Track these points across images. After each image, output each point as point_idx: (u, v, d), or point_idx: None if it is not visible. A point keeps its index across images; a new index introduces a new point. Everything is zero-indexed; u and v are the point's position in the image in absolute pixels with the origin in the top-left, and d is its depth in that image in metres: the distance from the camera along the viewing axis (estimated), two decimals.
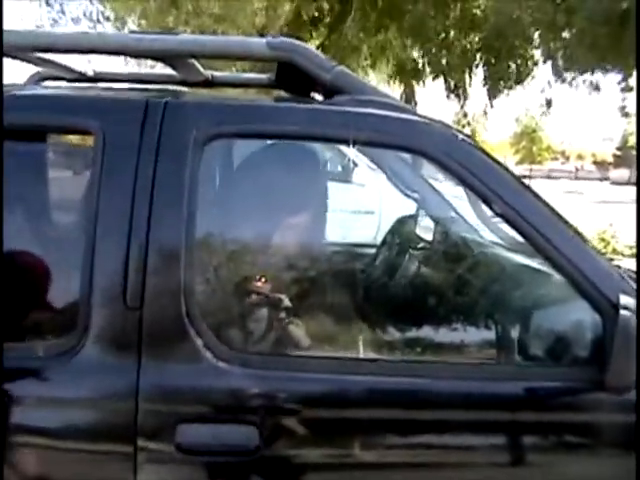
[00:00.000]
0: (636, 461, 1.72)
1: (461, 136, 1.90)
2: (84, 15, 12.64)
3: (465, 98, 11.41)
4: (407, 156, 2.52)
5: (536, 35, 9.32)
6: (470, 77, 10.90)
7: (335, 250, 2.56)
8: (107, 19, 12.68)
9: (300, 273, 2.09)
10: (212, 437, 1.72)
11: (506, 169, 1.89)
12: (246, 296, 2.00)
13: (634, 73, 8.11)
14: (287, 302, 1.97)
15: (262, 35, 9.27)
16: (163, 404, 1.74)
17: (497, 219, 1.93)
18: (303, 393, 1.78)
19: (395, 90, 12.16)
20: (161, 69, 3.37)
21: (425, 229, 2.71)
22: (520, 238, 1.82)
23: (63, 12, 12.73)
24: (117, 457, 1.76)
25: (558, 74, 9.60)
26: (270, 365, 1.80)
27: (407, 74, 11.40)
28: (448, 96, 11.29)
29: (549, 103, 10.78)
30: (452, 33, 10.11)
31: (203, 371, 1.74)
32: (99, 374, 1.76)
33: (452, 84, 11.04)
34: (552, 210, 1.83)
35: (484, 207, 1.92)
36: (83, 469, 1.78)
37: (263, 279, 2.00)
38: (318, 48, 9.58)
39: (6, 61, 2.20)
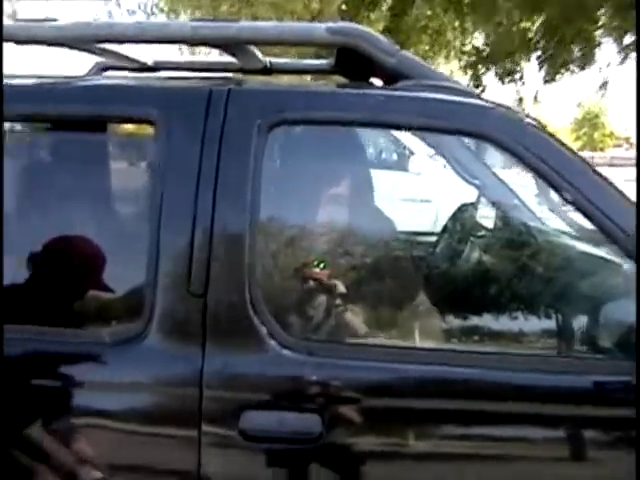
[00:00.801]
0: (636, 460, 1.66)
1: (529, 120, 1.85)
2: (139, 8, 12.88)
3: (522, 83, 11.18)
4: (469, 142, 2.47)
5: (602, 18, 9.03)
6: (529, 61, 10.66)
7: (395, 238, 2.53)
8: (161, 11, 12.86)
9: (359, 260, 2.07)
10: (276, 424, 1.72)
11: (576, 154, 1.83)
12: (306, 283, 1.99)
13: None
14: (342, 288, 1.95)
15: (316, 20, 9.24)
16: (227, 391, 1.75)
17: (566, 207, 1.88)
18: (365, 381, 1.76)
19: (457, 76, 12.00)
20: (218, 57, 3.37)
21: (486, 217, 2.67)
22: (590, 226, 1.76)
23: (119, 5, 12.99)
24: (181, 442, 1.77)
25: (624, 56, 9.31)
26: (332, 353, 1.79)
27: (469, 58, 11.20)
28: (503, 81, 11.07)
29: (605, 85, 10.48)
30: (515, 15, 9.86)
31: (267, 359, 1.75)
32: (164, 361, 1.78)
33: (509, 68, 10.82)
34: (626, 198, 1.77)
35: (551, 194, 1.87)
36: (147, 454, 1.80)
37: (322, 265, 1.98)
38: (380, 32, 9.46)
39: (68, 52, 2.24)
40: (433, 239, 2.76)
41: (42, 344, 1.82)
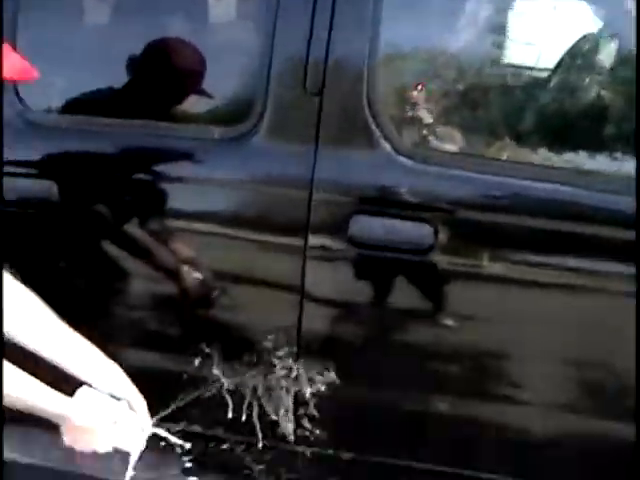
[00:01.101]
0: (635, 459, 1.56)
1: None
2: None
3: None
4: None
5: None
6: None
7: (508, 70, 2.38)
8: None
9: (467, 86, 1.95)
10: (386, 232, 1.67)
11: None
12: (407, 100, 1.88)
13: None
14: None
15: None
16: (338, 194, 1.70)
17: None
18: (481, 195, 1.69)
19: None
20: None
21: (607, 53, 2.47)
22: None
23: None
24: (286, 249, 1.75)
25: None
26: (450, 164, 1.70)
27: None
28: None
29: None
30: None
31: (381, 164, 1.68)
32: (273, 160, 1.73)
33: None
34: None
35: None
36: (249, 259, 1.78)
37: (420, 87, 1.86)
38: None
39: None
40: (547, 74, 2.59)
41: (150, 139, 1.79)
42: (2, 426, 1.10)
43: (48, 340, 1.33)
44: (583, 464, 1.65)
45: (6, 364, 1.18)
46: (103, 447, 1.29)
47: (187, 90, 1.88)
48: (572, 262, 1.66)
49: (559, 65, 2.52)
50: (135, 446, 1.30)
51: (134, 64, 1.91)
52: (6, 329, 1.31)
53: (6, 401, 1.19)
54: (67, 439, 1.28)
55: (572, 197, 1.66)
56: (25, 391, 1.21)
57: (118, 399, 1.30)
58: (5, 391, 1.17)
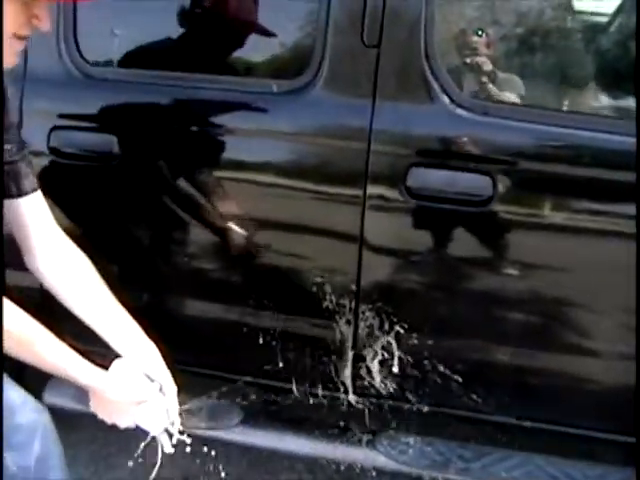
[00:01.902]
0: (635, 458, 1.52)
1: None
2: None
3: None
4: None
5: None
6: None
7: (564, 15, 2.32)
8: None
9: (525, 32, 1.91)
10: (444, 183, 1.67)
11: None
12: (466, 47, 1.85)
13: None
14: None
15: None
16: (396, 146, 1.70)
17: None
18: (541, 147, 1.68)
19: None
20: None
21: None
22: None
23: None
24: (345, 200, 1.75)
25: None
26: (509, 115, 1.68)
27: None
28: None
29: None
30: None
31: (439, 115, 1.67)
32: (332, 112, 1.74)
33: None
34: None
35: None
36: (308, 211, 1.80)
37: (480, 33, 1.83)
38: None
39: None
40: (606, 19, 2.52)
41: (209, 92, 1.81)
42: (2, 425, 1.11)
43: (93, 309, 1.37)
44: None
45: (43, 330, 1.21)
46: (125, 423, 1.32)
47: (243, 38, 1.87)
48: (631, 210, 1.64)
49: (620, 9, 2.45)
50: (156, 428, 1.33)
51: (190, 16, 1.91)
52: (57, 289, 1.35)
53: (42, 366, 1.23)
54: (93, 405, 1.32)
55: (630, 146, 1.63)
56: (59, 358, 1.23)
57: (152, 380, 1.34)
58: (41, 357, 1.21)
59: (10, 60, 1.10)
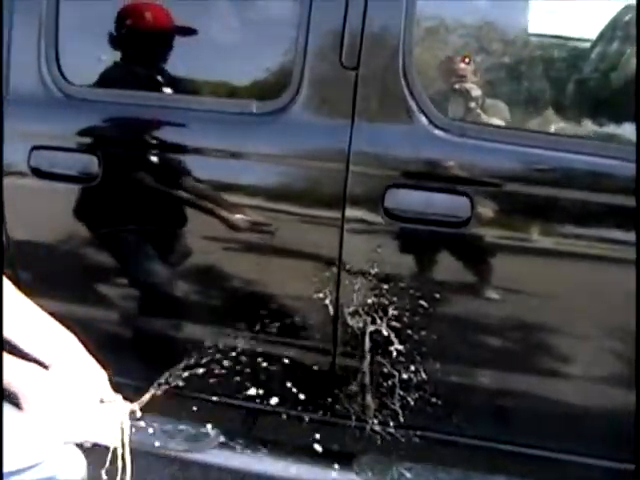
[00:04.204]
0: (634, 458, 1.52)
1: None
2: None
3: None
4: None
5: None
6: None
7: (542, 41, 2.34)
8: None
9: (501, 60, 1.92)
10: (423, 204, 1.68)
11: None
12: (453, 74, 1.87)
13: None
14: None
15: None
16: (374, 167, 1.70)
17: None
18: (519, 168, 1.68)
19: None
20: None
21: None
22: None
23: None
24: (322, 222, 1.76)
25: None
26: (487, 137, 1.69)
27: None
28: None
29: None
30: None
31: (418, 136, 1.68)
32: (310, 133, 1.74)
33: None
34: None
35: None
36: (285, 232, 1.79)
37: (467, 60, 1.85)
38: None
39: None
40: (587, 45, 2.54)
41: (180, 111, 1.81)
42: (1, 422, 1.07)
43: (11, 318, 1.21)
44: None
45: None
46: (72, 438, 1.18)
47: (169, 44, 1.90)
48: (610, 234, 1.66)
49: (601, 36, 2.47)
50: (110, 438, 1.18)
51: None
52: None
53: None
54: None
55: (611, 169, 1.63)
56: None
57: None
58: None
59: None
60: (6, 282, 1.24)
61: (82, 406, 1.15)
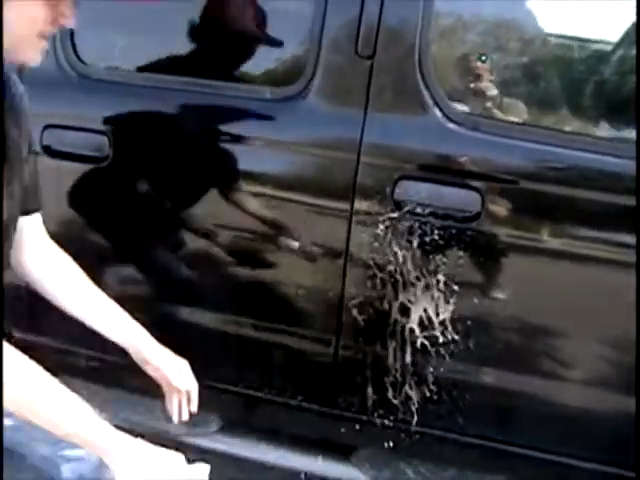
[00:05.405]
0: (634, 458, 1.50)
1: None
2: None
3: None
4: None
5: None
6: None
7: (562, 42, 2.32)
8: None
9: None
10: (433, 197, 1.66)
11: None
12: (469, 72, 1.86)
13: None
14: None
15: None
16: (386, 158, 1.68)
17: None
18: (532, 165, 1.66)
19: None
20: None
21: None
22: None
23: None
24: (331, 212, 1.75)
25: None
26: (501, 132, 1.67)
27: None
28: None
29: None
30: None
31: (431, 129, 1.66)
32: (323, 122, 1.73)
33: None
34: None
35: None
36: (294, 220, 1.78)
37: (483, 58, 1.83)
38: None
39: None
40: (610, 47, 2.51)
41: (200, 96, 1.81)
42: (1, 428, 1.07)
43: (85, 303, 1.34)
44: None
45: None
46: None
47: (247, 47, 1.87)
48: (621, 237, 1.64)
49: (623, 39, 2.44)
50: None
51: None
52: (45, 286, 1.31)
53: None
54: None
55: (626, 170, 1.61)
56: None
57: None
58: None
59: (35, 58, 1.09)
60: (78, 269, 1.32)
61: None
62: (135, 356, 1.34)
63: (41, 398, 1.06)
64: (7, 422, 1.09)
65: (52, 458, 1.19)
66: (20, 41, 1.05)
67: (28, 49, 1.07)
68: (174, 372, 1.35)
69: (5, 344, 1.01)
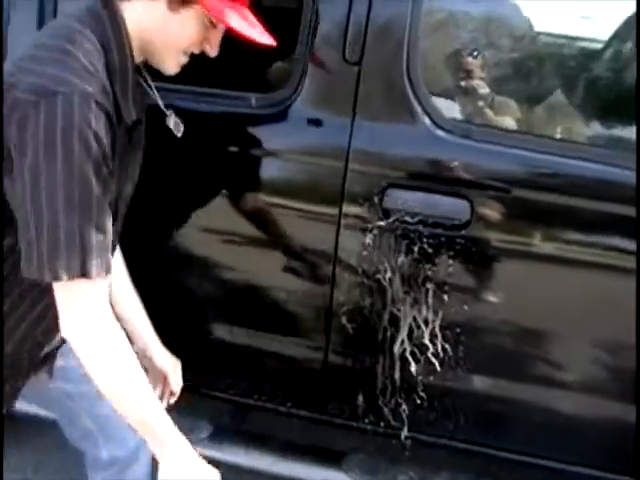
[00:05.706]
0: (634, 458, 1.49)
1: None
2: None
3: None
4: None
5: None
6: None
7: (553, 41, 2.31)
8: None
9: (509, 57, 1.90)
10: (422, 205, 1.64)
11: None
12: (460, 70, 1.84)
13: None
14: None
15: None
16: (374, 166, 1.66)
17: None
18: (521, 172, 1.65)
19: None
20: None
21: None
22: None
23: None
24: (319, 219, 1.74)
25: None
26: (491, 139, 1.65)
27: None
28: None
29: None
30: None
31: (419, 137, 1.64)
32: (310, 129, 1.70)
33: None
34: None
35: None
36: (285, 225, 1.77)
37: (474, 54, 1.81)
38: None
39: None
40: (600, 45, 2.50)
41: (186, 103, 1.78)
42: (2, 427, 1.08)
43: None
44: None
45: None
46: None
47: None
48: (612, 241, 1.63)
49: (614, 37, 2.42)
50: None
51: None
52: None
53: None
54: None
55: (618, 178, 1.60)
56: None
57: None
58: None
59: (172, 69, 1.20)
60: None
61: None
62: (138, 348, 1.40)
63: (129, 382, 1.12)
64: None
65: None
66: (169, 50, 1.16)
67: (170, 59, 1.18)
68: (171, 369, 1.46)
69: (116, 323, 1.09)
